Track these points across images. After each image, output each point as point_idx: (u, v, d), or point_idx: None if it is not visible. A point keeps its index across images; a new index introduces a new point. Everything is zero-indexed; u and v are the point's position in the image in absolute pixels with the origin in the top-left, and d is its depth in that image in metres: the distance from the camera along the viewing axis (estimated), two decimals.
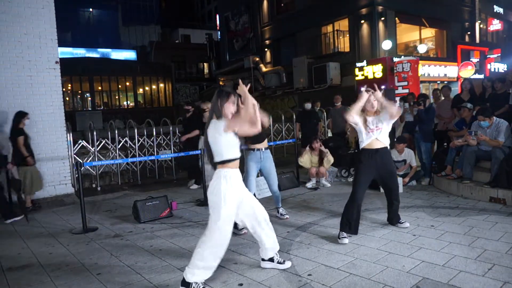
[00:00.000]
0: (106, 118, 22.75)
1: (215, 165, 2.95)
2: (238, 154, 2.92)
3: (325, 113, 11.30)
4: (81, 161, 7.54)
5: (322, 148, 6.65)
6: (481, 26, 22.53)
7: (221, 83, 28.43)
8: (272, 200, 5.72)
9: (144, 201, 5.03)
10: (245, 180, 4.60)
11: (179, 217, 5.04)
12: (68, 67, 19.92)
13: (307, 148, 6.78)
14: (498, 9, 23.43)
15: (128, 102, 29.71)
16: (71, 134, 7.42)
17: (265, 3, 23.94)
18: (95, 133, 7.80)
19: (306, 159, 6.65)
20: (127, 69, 29.22)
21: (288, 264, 3.22)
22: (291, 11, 22.02)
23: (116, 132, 8.18)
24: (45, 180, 6.64)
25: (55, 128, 6.79)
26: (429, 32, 20.14)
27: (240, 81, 3.18)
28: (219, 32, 30.56)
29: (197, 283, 2.87)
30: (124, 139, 8.50)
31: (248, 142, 4.66)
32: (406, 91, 13.40)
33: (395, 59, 15.40)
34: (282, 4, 23.17)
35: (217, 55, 30.70)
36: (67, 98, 26.04)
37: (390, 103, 3.86)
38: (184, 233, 4.33)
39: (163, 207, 5.04)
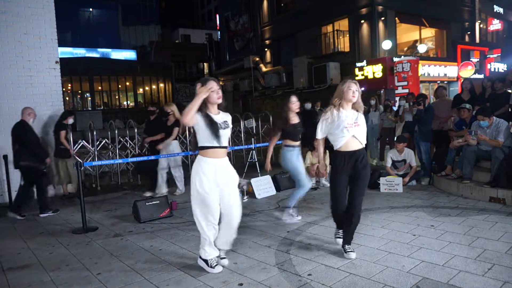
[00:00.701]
0: (106, 118, 22.73)
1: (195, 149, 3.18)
2: (213, 143, 3.01)
3: None
4: (81, 161, 7.54)
5: None
6: (481, 26, 22.53)
7: (221, 83, 28.43)
8: (272, 200, 5.73)
9: (144, 201, 5.03)
10: (297, 177, 4.63)
11: (179, 217, 5.04)
12: (68, 67, 19.90)
13: (308, 152, 6.75)
14: (498, 9, 23.42)
15: (128, 102, 29.72)
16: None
17: (265, 3, 23.93)
18: (95, 133, 7.80)
19: (307, 162, 6.62)
20: (127, 69, 29.22)
21: (218, 269, 3.17)
22: (291, 11, 22.01)
23: (116, 132, 8.18)
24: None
25: (55, 128, 6.79)
26: (429, 32, 20.13)
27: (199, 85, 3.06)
28: (219, 32, 30.56)
29: (211, 259, 3.18)
30: (124, 139, 8.50)
31: (286, 139, 4.63)
32: (406, 91, 13.41)
33: (395, 59, 15.41)
34: (282, 4, 23.16)
35: (217, 55, 30.71)
36: (67, 98, 26.04)
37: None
38: (184, 233, 4.33)
39: (163, 207, 5.04)
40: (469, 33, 21.44)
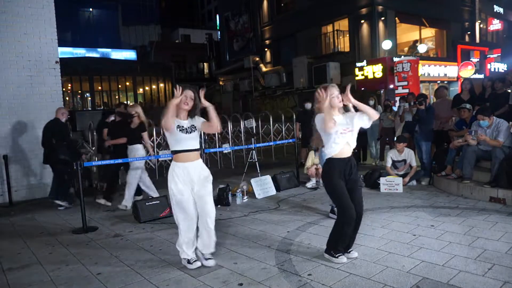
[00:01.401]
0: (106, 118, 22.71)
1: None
2: (182, 147, 3.19)
3: None
4: (81, 161, 7.54)
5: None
6: (481, 26, 22.54)
7: (221, 83, 28.46)
8: (272, 200, 5.72)
9: (144, 201, 5.03)
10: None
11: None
12: (68, 67, 19.91)
13: (311, 152, 6.73)
14: (498, 9, 23.43)
15: (128, 102, 29.70)
16: (71, 134, 7.42)
17: (265, 3, 23.95)
18: (95, 133, 7.79)
19: (310, 162, 6.61)
20: (127, 69, 29.20)
21: (196, 265, 3.29)
22: (291, 11, 22.03)
23: None
24: (46, 180, 6.65)
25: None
26: (429, 32, 20.14)
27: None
28: (219, 32, 30.58)
29: (190, 258, 3.29)
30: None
31: (320, 144, 4.59)
32: (406, 91, 13.41)
33: (395, 59, 15.42)
34: (282, 4, 23.18)
35: (217, 55, 30.74)
36: (67, 98, 26.03)
37: (364, 106, 3.21)
38: None
39: (163, 207, 5.04)
40: (469, 33, 21.46)
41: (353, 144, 3.25)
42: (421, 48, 16.67)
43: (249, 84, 24.64)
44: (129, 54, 35.26)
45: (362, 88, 16.44)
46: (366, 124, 3.23)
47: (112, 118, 6.65)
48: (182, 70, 35.15)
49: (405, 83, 14.75)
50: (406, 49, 18.88)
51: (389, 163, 6.38)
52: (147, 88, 30.33)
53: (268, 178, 6.25)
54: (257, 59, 23.90)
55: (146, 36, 39.90)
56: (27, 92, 6.53)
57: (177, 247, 3.37)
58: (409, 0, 17.80)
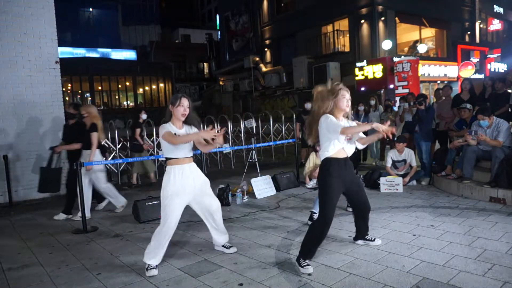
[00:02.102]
0: (106, 118, 22.72)
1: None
2: (180, 154, 3.27)
3: None
4: (81, 161, 7.53)
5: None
6: (481, 26, 22.54)
7: (221, 83, 28.46)
8: (273, 200, 5.73)
9: (144, 201, 5.03)
10: None
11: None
12: (68, 67, 19.90)
13: (312, 153, 6.70)
14: (498, 9, 23.43)
15: (128, 102, 29.73)
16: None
17: (265, 3, 23.95)
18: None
19: (311, 163, 6.57)
20: (127, 69, 29.23)
21: (233, 250, 3.61)
22: (291, 11, 22.03)
23: (116, 132, 8.17)
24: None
25: (55, 128, 6.79)
26: (429, 32, 20.14)
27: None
28: (219, 32, 30.58)
29: (149, 264, 3.27)
30: (124, 139, 8.49)
31: (315, 140, 4.55)
32: (406, 91, 13.41)
33: (395, 59, 15.42)
34: (282, 4, 23.19)
35: (217, 55, 30.74)
36: (67, 98, 26.02)
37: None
38: (184, 233, 4.33)
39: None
40: (469, 33, 21.46)
41: (350, 150, 3.22)
42: (421, 48, 16.68)
43: (249, 84, 24.64)
44: (129, 54, 35.28)
45: (362, 88, 16.44)
46: (359, 145, 3.29)
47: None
48: (182, 70, 35.17)
49: (405, 83, 14.76)
50: (406, 49, 18.89)
51: (389, 163, 6.38)
52: (147, 88, 30.35)
53: (268, 178, 6.25)
54: (257, 59, 23.91)
55: (146, 36, 39.93)
56: (27, 92, 6.53)
57: (146, 251, 3.30)
58: (409, 0, 17.81)
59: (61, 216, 5.22)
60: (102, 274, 3.27)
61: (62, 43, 12.02)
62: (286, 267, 3.21)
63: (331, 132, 3.06)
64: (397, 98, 11.91)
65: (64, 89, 24.66)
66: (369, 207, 3.49)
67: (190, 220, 4.76)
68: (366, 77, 16.47)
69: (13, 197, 6.26)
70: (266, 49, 24.52)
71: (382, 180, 5.92)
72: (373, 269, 3.08)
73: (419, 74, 15.63)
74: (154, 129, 8.43)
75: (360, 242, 3.65)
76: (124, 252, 3.81)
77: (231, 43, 27.63)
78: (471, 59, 18.87)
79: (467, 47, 20.02)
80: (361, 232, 3.63)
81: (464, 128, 6.18)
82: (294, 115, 10.54)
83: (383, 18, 17.21)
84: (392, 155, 6.44)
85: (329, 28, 20.04)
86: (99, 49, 34.63)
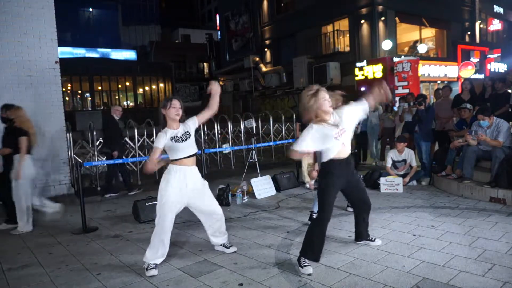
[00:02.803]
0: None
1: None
2: (180, 155, 3.29)
3: None
4: (81, 161, 7.54)
5: None
6: (481, 26, 22.54)
7: (221, 82, 28.43)
8: (273, 200, 5.73)
9: (144, 201, 5.02)
10: None
11: (178, 217, 5.00)
12: (68, 67, 19.87)
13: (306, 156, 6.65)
14: (498, 9, 23.43)
15: (128, 102, 29.71)
16: (71, 134, 7.41)
17: (265, 3, 23.94)
18: (95, 133, 7.79)
19: (305, 165, 6.55)
20: (127, 69, 29.20)
21: (233, 249, 3.62)
22: (291, 11, 22.03)
23: None
24: (45, 180, 6.65)
25: (55, 128, 6.79)
26: (429, 32, 20.14)
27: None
28: (219, 32, 30.57)
29: (149, 264, 3.26)
30: (124, 139, 8.49)
31: None
32: (406, 91, 13.41)
33: (395, 59, 15.42)
34: (282, 4, 23.18)
35: (217, 55, 30.72)
36: (67, 98, 26.03)
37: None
38: (184, 232, 4.33)
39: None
40: (469, 33, 21.46)
41: (349, 143, 3.17)
42: (421, 48, 16.68)
43: (249, 84, 24.64)
44: (129, 54, 35.26)
45: (362, 88, 16.44)
46: (361, 115, 3.23)
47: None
48: (182, 70, 35.16)
49: (405, 83, 14.76)
50: (406, 49, 18.88)
51: (389, 163, 6.38)
52: (147, 88, 30.33)
53: (268, 178, 6.25)
54: (257, 59, 23.89)
55: (146, 36, 39.92)
56: (27, 92, 6.52)
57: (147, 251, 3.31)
58: (409, 0, 17.81)
59: (3, 225, 4.89)
60: (102, 274, 3.27)
61: (62, 43, 12.02)
62: (286, 267, 3.21)
63: (320, 142, 3.06)
64: (397, 98, 11.90)
65: (64, 89, 24.67)
66: (369, 205, 3.51)
67: (190, 220, 4.75)
68: (366, 77, 16.46)
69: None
70: (266, 49, 24.52)
71: (382, 180, 5.92)
72: (373, 269, 3.08)
73: (419, 74, 15.63)
74: (154, 129, 8.43)
75: (360, 242, 3.65)
76: (124, 252, 3.80)
77: (231, 43, 27.62)
78: (471, 59, 18.87)
79: (467, 47, 20.01)
80: (362, 233, 3.62)
81: (464, 128, 6.18)
82: (294, 115, 10.54)
83: (383, 18, 17.20)
84: (392, 155, 6.44)
85: (329, 28, 20.04)
86: (99, 49, 34.60)
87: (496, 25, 23.29)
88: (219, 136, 9.99)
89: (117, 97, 29.37)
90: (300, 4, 21.00)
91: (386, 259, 3.27)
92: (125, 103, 29.61)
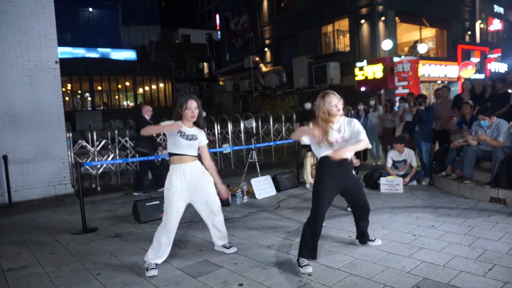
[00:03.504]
0: (106, 118, 22.76)
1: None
2: (180, 151, 3.32)
3: None
4: (81, 161, 7.54)
5: None
6: (482, 26, 22.53)
7: (221, 83, 28.45)
8: (273, 200, 5.72)
9: (144, 201, 5.02)
10: None
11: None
12: (68, 67, 19.91)
13: (308, 152, 6.68)
14: (498, 9, 23.42)
15: (128, 102, 29.72)
16: (71, 134, 7.41)
17: (265, 3, 23.93)
18: (95, 133, 7.79)
19: (308, 166, 6.55)
20: (127, 69, 29.23)
21: (233, 250, 3.62)
22: (291, 11, 22.02)
23: (116, 132, 8.17)
24: (45, 180, 6.65)
25: (55, 128, 6.79)
26: (429, 32, 20.13)
27: None
28: (219, 32, 30.56)
29: (149, 263, 3.26)
30: (124, 139, 8.49)
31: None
32: (406, 91, 13.40)
33: (395, 59, 15.41)
34: (282, 4, 23.17)
35: (217, 55, 30.71)
36: (67, 98, 26.05)
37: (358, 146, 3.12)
38: (184, 233, 4.33)
39: (163, 207, 5.03)
40: (469, 33, 21.45)
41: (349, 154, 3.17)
42: (421, 48, 16.67)
43: (249, 84, 24.62)
44: (129, 54, 35.28)
45: (363, 88, 16.44)
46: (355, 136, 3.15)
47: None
48: (182, 70, 35.16)
49: (405, 83, 14.75)
50: (406, 49, 18.87)
51: (389, 163, 6.38)
52: (147, 88, 30.34)
53: (268, 178, 6.25)
54: (257, 59, 23.88)
55: (146, 36, 39.96)
56: (27, 92, 6.52)
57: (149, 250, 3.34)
58: (409, 0, 17.80)
59: None
60: (102, 274, 3.27)
61: (62, 43, 12.02)
62: (286, 267, 3.20)
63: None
64: (397, 98, 11.90)
65: (64, 89, 24.69)
66: (368, 209, 3.47)
67: (191, 220, 4.76)
68: (366, 77, 16.46)
69: (13, 197, 6.25)
70: (266, 49, 24.51)
71: (382, 180, 5.92)
72: (373, 269, 3.08)
73: (419, 74, 15.62)
74: None
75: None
76: (124, 252, 3.80)
77: (231, 43, 27.62)
78: (471, 59, 18.85)
79: (467, 47, 20.00)
80: (363, 235, 3.60)
81: (462, 127, 6.18)
82: (294, 115, 10.55)
83: (383, 18, 17.19)
84: (392, 155, 6.44)
85: (329, 28, 20.03)
86: (99, 49, 34.63)
87: (496, 25, 23.28)
88: (219, 136, 9.99)
89: (117, 97, 29.40)
90: (300, 4, 20.99)
91: (386, 259, 3.27)
92: (125, 103, 29.64)
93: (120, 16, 39.31)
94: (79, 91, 27.68)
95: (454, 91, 16.41)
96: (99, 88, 28.36)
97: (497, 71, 19.75)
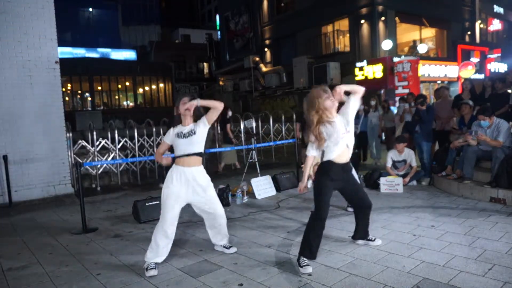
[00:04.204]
0: (106, 118, 22.76)
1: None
2: (179, 152, 3.35)
3: None
4: (81, 161, 7.54)
5: None
6: (481, 26, 22.52)
7: (221, 83, 28.44)
8: (273, 200, 5.72)
9: (144, 201, 5.02)
10: None
11: (178, 217, 5.02)
12: (68, 67, 19.89)
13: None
14: (498, 9, 23.41)
15: (128, 102, 29.71)
16: (71, 134, 7.41)
17: (265, 3, 23.93)
18: (95, 133, 7.79)
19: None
20: (127, 69, 29.21)
21: (233, 250, 3.63)
22: (291, 11, 22.01)
23: (116, 132, 8.17)
24: (45, 180, 6.66)
25: (55, 128, 6.79)
26: (429, 32, 20.12)
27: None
28: (219, 32, 30.55)
29: (149, 263, 3.27)
30: (124, 139, 8.49)
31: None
32: (406, 91, 13.40)
33: (395, 59, 15.40)
34: (282, 4, 23.16)
35: (217, 55, 30.70)
36: (67, 98, 26.03)
37: (350, 86, 3.27)
38: (184, 233, 4.33)
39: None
40: (469, 33, 21.44)
41: (352, 145, 3.22)
42: (421, 48, 16.66)
43: (249, 84, 24.61)
44: (129, 54, 35.29)
45: (363, 89, 16.42)
46: (357, 105, 3.22)
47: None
48: (182, 70, 35.15)
49: (405, 83, 14.74)
50: (406, 49, 18.87)
51: (389, 163, 6.38)
52: (147, 88, 30.32)
53: (268, 178, 6.25)
54: (257, 59, 23.86)
55: (146, 36, 39.96)
56: (27, 92, 6.52)
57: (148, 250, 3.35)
58: (409, 0, 17.79)
59: None
60: (102, 274, 3.27)
61: (62, 43, 12.01)
62: (286, 267, 3.21)
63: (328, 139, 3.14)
64: (397, 98, 11.90)
65: (64, 89, 24.69)
66: (369, 203, 3.50)
67: (190, 220, 4.76)
68: (366, 77, 16.45)
69: (13, 197, 6.26)
70: (266, 49, 24.50)
71: (382, 180, 5.92)
72: (373, 269, 3.08)
73: (419, 74, 15.61)
74: (154, 129, 8.43)
75: (360, 242, 3.66)
76: (124, 252, 3.80)
77: (231, 43, 27.61)
78: (471, 59, 18.84)
79: (467, 47, 19.99)
80: (362, 232, 3.63)
81: (462, 128, 6.18)
82: (294, 115, 10.54)
83: (383, 18, 17.18)
84: (392, 155, 6.44)
85: (329, 28, 20.02)
86: (99, 49, 34.63)
87: (496, 25, 23.27)
88: (219, 136, 9.99)
89: (117, 97, 29.37)
90: (300, 4, 20.98)
91: (386, 259, 3.27)
92: (125, 103, 29.62)
93: (120, 16, 39.31)
94: (79, 91, 27.65)
95: (454, 91, 16.44)
96: (99, 88, 28.34)
97: (497, 71, 19.74)
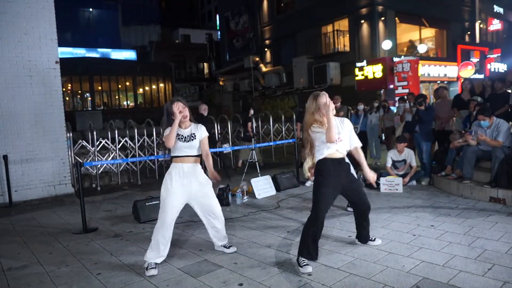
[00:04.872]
0: (106, 118, 22.77)
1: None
2: (179, 153, 3.39)
3: None
4: (81, 161, 7.54)
5: None
6: (481, 26, 22.52)
7: (221, 83, 28.45)
8: (272, 200, 5.73)
9: (144, 201, 5.03)
10: None
11: (179, 217, 5.00)
12: (68, 67, 19.90)
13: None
14: (498, 9, 23.41)
15: (128, 102, 29.73)
16: (71, 134, 7.41)
17: (265, 3, 23.93)
18: (95, 133, 7.79)
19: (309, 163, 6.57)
20: (127, 69, 29.23)
21: (233, 249, 3.63)
22: (291, 11, 22.01)
23: (116, 132, 8.17)
24: (45, 180, 6.66)
25: (55, 128, 6.79)
26: (429, 32, 20.12)
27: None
28: (219, 32, 30.56)
29: (150, 263, 3.29)
30: (124, 139, 8.49)
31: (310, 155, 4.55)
32: (406, 91, 13.40)
33: (395, 59, 15.40)
34: (282, 4, 23.16)
35: (217, 55, 30.70)
36: (67, 98, 26.05)
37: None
38: (184, 233, 4.33)
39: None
40: (469, 33, 21.44)
41: (344, 151, 3.28)
42: (421, 48, 16.66)
43: (249, 84, 24.62)
44: (129, 54, 35.30)
45: (362, 88, 16.44)
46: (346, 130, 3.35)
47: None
48: (182, 70, 35.15)
49: (405, 83, 14.74)
50: (405, 49, 18.87)
51: (389, 163, 6.38)
52: (147, 88, 30.35)
53: (268, 178, 6.25)
54: (257, 59, 23.86)
55: (146, 36, 39.95)
56: (27, 92, 6.52)
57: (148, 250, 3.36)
58: (409, 0, 17.79)
59: None
60: (102, 274, 3.27)
61: (62, 43, 12.03)
62: (286, 267, 3.21)
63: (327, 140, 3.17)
64: (397, 98, 11.90)
65: (64, 89, 24.68)
66: (369, 206, 3.49)
67: (190, 220, 4.76)
68: (366, 77, 16.45)
69: (13, 197, 6.26)
70: (266, 49, 24.49)
71: (382, 180, 5.92)
72: (373, 269, 3.08)
73: (419, 74, 15.61)
74: (154, 129, 8.43)
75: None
76: (124, 252, 3.81)
77: (231, 43, 27.61)
78: (471, 59, 18.83)
79: (467, 47, 19.99)
80: (363, 234, 3.62)
81: (466, 126, 6.18)
82: (294, 115, 10.54)
83: (383, 18, 17.18)
84: (392, 155, 6.44)
85: (329, 28, 20.02)
86: (99, 49, 34.64)
87: (496, 25, 23.26)
88: (219, 136, 9.99)
89: (117, 97, 29.40)
90: (300, 4, 20.98)
91: (386, 259, 3.27)
92: (125, 103, 29.63)
93: (120, 16, 39.30)
94: (79, 91, 27.68)
95: (454, 91, 16.43)
96: (99, 88, 28.36)
97: (496, 71, 19.74)
